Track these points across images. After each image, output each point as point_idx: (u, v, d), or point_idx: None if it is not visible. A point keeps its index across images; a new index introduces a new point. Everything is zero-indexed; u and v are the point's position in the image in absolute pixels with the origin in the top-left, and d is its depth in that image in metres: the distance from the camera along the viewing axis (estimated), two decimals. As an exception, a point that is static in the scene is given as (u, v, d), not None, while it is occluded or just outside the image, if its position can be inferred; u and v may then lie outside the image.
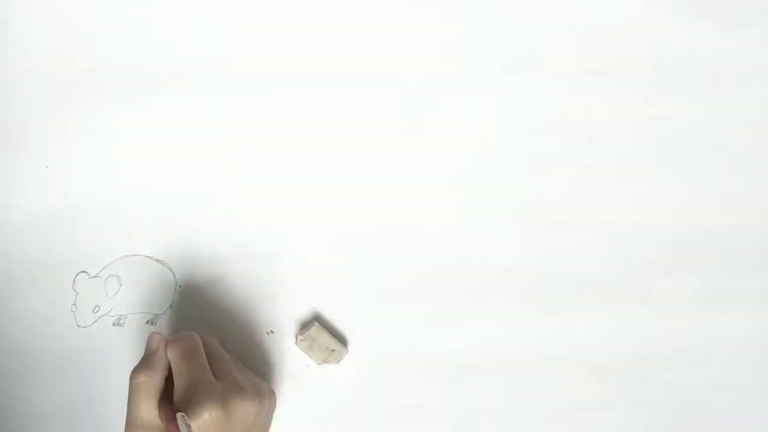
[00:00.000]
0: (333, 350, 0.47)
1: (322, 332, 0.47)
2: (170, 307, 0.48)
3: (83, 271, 0.47)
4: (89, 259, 0.47)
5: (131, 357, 0.47)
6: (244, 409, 0.39)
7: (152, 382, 0.40)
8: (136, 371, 0.41)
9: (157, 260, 0.48)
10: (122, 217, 0.48)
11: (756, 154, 0.49)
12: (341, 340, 0.48)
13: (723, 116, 0.49)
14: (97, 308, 0.47)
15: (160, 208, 0.48)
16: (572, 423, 0.49)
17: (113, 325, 0.47)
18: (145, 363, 0.41)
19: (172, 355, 0.41)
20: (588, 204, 0.49)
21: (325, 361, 0.48)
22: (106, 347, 0.47)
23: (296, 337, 0.48)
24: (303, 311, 0.48)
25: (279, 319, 0.48)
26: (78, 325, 0.47)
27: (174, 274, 0.48)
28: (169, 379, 0.41)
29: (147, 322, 0.48)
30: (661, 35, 0.49)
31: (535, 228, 0.49)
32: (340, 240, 0.48)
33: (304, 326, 0.48)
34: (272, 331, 0.48)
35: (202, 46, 0.49)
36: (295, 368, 0.48)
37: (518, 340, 0.48)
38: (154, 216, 0.48)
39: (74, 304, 0.47)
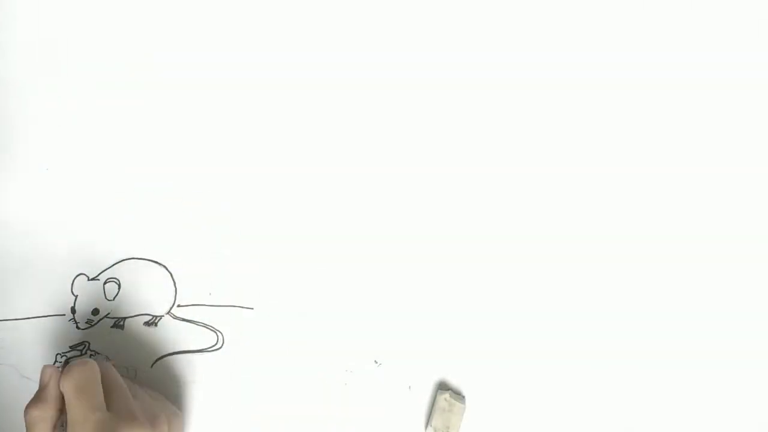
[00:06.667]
0: None
1: (461, 416, 0.45)
2: (169, 309, 0.48)
3: (82, 274, 0.47)
4: (88, 261, 0.47)
5: (131, 359, 0.47)
6: None
7: (45, 417, 0.39)
8: (29, 406, 0.39)
9: (156, 262, 0.48)
10: (121, 219, 0.48)
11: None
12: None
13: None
14: (97, 311, 0.47)
15: (160, 211, 0.48)
16: (569, 416, 0.48)
17: (112, 327, 0.47)
18: (37, 397, 0.40)
19: (65, 389, 0.40)
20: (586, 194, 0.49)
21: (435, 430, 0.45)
22: (105, 350, 0.47)
23: (440, 389, 0.46)
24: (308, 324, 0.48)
25: (281, 324, 0.48)
26: (78, 327, 0.47)
27: (173, 277, 0.48)
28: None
29: (146, 324, 0.48)
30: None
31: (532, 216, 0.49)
32: (346, 254, 0.49)
33: (455, 393, 0.46)
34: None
35: (202, 48, 0.49)
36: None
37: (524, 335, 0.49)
38: (154, 218, 0.48)
39: (73, 307, 0.47)
